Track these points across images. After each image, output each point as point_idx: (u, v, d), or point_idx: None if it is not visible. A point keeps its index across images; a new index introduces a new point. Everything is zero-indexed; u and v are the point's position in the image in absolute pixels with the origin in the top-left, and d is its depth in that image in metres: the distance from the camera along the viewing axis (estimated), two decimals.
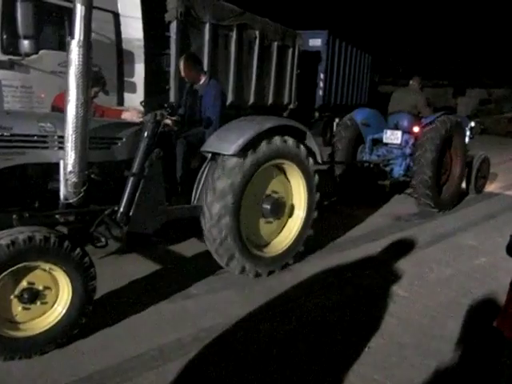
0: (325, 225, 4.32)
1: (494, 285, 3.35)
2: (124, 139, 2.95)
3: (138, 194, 2.80)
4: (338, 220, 5.05)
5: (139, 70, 5.11)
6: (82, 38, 2.30)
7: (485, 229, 5.08)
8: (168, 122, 3.12)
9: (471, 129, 6.93)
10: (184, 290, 3.10)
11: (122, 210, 2.76)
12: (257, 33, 7.49)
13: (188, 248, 3.88)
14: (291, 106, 9.60)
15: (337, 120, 11.57)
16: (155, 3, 5.38)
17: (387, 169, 6.25)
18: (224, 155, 3.09)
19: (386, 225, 5.05)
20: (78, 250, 2.31)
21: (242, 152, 3.06)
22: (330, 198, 6.19)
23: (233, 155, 3.05)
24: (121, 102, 4.93)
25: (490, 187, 7.33)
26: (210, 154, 3.21)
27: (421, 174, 5.48)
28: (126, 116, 3.45)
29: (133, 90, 5.09)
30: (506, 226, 4.99)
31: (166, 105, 2.97)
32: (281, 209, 3.51)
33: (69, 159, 2.41)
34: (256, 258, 3.36)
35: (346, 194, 6.30)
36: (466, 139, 6.47)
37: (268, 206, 3.41)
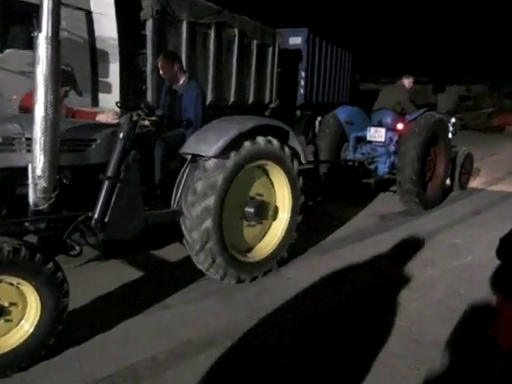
0: (309, 226, 4.28)
1: (483, 285, 3.31)
2: (98, 141, 2.85)
3: (113, 199, 2.71)
4: (323, 221, 5.02)
5: (114, 69, 4.99)
6: (50, 34, 2.19)
7: (470, 226, 5.10)
8: (145, 122, 3.05)
9: (453, 125, 7.04)
10: (161, 300, 2.97)
11: (96, 216, 2.66)
12: (236, 31, 7.44)
13: (167, 254, 3.78)
14: (272, 105, 9.58)
15: (319, 118, 11.65)
16: (130, 1, 5.26)
17: (371, 167, 6.30)
18: (204, 157, 3.03)
19: (370, 225, 5.05)
20: (51, 263, 2.18)
21: (223, 153, 3.00)
22: (315, 197, 6.16)
23: (213, 157, 2.99)
24: (95, 102, 4.80)
25: (474, 183, 7.47)
26: (189, 156, 3.14)
27: (405, 170, 5.52)
28: (101, 118, 3.35)
29: (108, 90, 4.96)
30: (491, 223, 5.07)
31: (142, 105, 2.89)
32: (264, 212, 3.46)
33: (37, 163, 2.30)
34: (238, 263, 3.29)
35: (331, 194, 6.31)
36: (449, 135, 6.56)
37: (251, 209, 3.36)
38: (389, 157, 6.20)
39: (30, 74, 4.41)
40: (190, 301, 3.02)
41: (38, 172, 2.30)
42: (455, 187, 6.82)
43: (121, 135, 2.75)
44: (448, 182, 6.58)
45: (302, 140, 11.70)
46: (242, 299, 3.11)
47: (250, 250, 3.54)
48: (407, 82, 6.36)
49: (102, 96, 4.89)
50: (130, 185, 2.78)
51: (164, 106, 3.78)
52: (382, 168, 6.23)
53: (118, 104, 3.33)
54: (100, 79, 4.97)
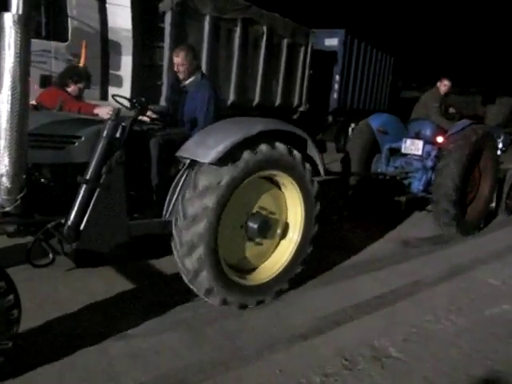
0: (324, 244, 3.86)
1: None
2: (83, 138, 2.58)
3: (91, 205, 2.46)
4: (339, 240, 4.58)
5: (126, 62, 4.83)
6: (20, 11, 1.95)
7: (511, 263, 4.36)
8: (143, 118, 2.86)
9: (503, 140, 6.43)
10: (134, 326, 2.60)
11: (70, 222, 2.41)
12: (264, 28, 7.16)
13: (145, 267, 3.47)
14: (302, 109, 9.24)
15: (352, 125, 11.20)
16: None
17: (405, 182, 5.80)
18: (201, 163, 2.72)
19: (391, 251, 4.46)
20: (2, 283, 1.92)
21: (223, 160, 2.67)
22: (341, 212, 5.76)
23: (211, 164, 2.66)
24: (104, 96, 4.64)
25: None
26: (188, 160, 2.85)
27: (443, 187, 4.98)
28: (100, 112, 3.13)
29: (119, 84, 4.81)
30: None
31: (134, 100, 2.67)
32: (270, 228, 3.11)
33: (0, 160, 2.05)
34: (240, 287, 2.95)
35: (357, 209, 5.86)
36: (498, 152, 5.96)
37: (255, 225, 3.00)
38: (425, 173, 5.67)
39: (34, 63, 4.38)
40: (170, 328, 2.65)
41: (1, 170, 2.07)
42: (501, 211, 6.17)
43: (104, 133, 2.51)
44: (493, 204, 5.95)
45: (332, 147, 11.46)
46: (232, 328, 2.72)
47: (255, 270, 3.20)
48: (442, 86, 5.82)
49: (112, 89, 4.70)
50: (112, 190, 2.52)
51: (169, 102, 3.52)
52: (417, 185, 5.71)
53: (115, 98, 3.11)
54: (111, 72, 4.82)
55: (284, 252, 3.27)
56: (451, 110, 6.33)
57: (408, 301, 3.30)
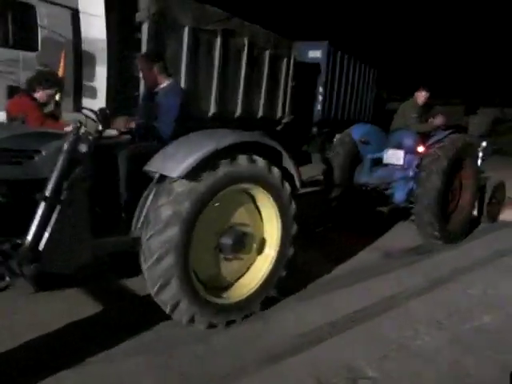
0: (304, 257, 3.75)
1: (503, 362, 2.59)
2: (44, 153, 2.45)
3: (51, 224, 2.32)
4: (321, 252, 4.48)
5: (101, 73, 4.70)
6: None
7: (493, 271, 4.28)
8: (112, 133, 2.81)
9: (484, 149, 6.44)
10: (95, 352, 2.42)
11: (28, 242, 2.26)
12: (246, 40, 7.14)
13: (112, 288, 3.31)
14: (285, 120, 9.21)
15: (337, 136, 11.17)
16: (125, 1, 5.00)
17: (387, 193, 5.75)
18: (170, 178, 2.61)
19: (371, 263, 4.35)
20: None
21: (192, 174, 2.56)
22: (321, 223, 5.68)
23: (180, 178, 2.56)
24: (78, 108, 4.49)
25: (505, 215, 6.75)
26: (157, 175, 2.72)
27: (425, 198, 4.96)
28: (68, 129, 2.99)
29: (93, 95, 4.67)
30: None
31: (97, 112, 2.59)
32: (245, 244, 2.99)
33: None
34: (210, 305, 2.81)
35: (339, 220, 5.80)
36: (478, 161, 5.96)
37: (228, 241, 2.89)
38: (407, 182, 5.63)
39: (1, 74, 4.25)
40: (129, 354, 2.46)
41: None
42: (483, 219, 6.17)
43: (64, 147, 2.38)
44: (475, 212, 5.92)
45: (316, 158, 11.42)
46: (200, 354, 2.54)
47: (228, 287, 3.07)
48: (420, 96, 5.82)
49: (86, 101, 4.57)
50: (74, 207, 2.39)
51: (141, 114, 3.40)
52: (400, 195, 5.66)
53: (84, 111, 2.99)
54: (85, 83, 4.68)
55: (260, 269, 3.16)
56: (433, 121, 6.32)
57: (387, 315, 3.19)
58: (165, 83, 3.25)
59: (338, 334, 2.86)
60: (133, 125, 2.92)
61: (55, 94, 3.45)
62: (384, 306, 3.34)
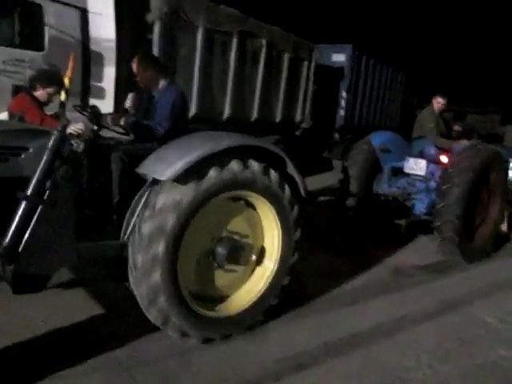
0: (313, 269, 3.56)
1: None
2: (31, 150, 2.40)
3: (32, 224, 2.24)
4: (330, 266, 4.27)
5: (109, 73, 4.67)
6: None
7: None
8: (72, 130, 2.68)
9: None
10: (60, 368, 2.30)
11: (6, 243, 2.20)
12: (263, 42, 7.01)
13: (95, 295, 3.19)
14: (304, 125, 9.00)
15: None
16: (136, 0, 4.97)
17: (407, 204, 5.49)
18: (159, 181, 2.52)
19: (380, 280, 4.08)
20: None
21: (184, 178, 2.47)
22: (337, 234, 5.49)
23: (171, 181, 2.46)
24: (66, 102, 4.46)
25: None
26: (151, 178, 2.62)
27: (447, 212, 4.67)
28: (68, 129, 2.94)
29: (100, 96, 4.66)
30: None
31: (88, 109, 2.56)
32: (242, 254, 2.85)
33: None
34: (203, 319, 2.69)
35: (355, 232, 5.58)
36: (510, 173, 5.60)
37: (223, 251, 2.77)
38: (428, 194, 5.37)
39: (9, 74, 4.28)
40: (77, 374, 2.30)
41: None
42: None
43: (49, 145, 2.32)
44: (505, 228, 5.57)
45: (337, 164, 11.16)
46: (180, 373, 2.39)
47: (223, 301, 2.93)
48: (436, 103, 5.52)
49: (93, 102, 4.55)
50: (58, 208, 2.31)
51: (140, 115, 3.32)
52: (420, 207, 5.40)
53: (77, 108, 2.94)
54: (92, 83, 4.67)
55: (258, 281, 3.01)
56: (456, 128, 6.02)
57: (388, 340, 2.94)
58: (161, 84, 3.19)
59: (328, 359, 2.65)
60: (122, 122, 2.84)
61: (56, 93, 3.39)
62: (385, 329, 3.09)
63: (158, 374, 2.36)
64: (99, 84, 4.66)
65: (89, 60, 4.64)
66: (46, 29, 4.30)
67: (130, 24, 4.92)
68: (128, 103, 2.97)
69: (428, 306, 3.53)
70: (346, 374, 2.49)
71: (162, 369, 2.41)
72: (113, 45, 4.60)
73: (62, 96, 3.84)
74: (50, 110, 3.55)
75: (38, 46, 4.34)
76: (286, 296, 3.06)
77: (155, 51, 5.21)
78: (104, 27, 4.58)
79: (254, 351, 2.67)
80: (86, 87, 4.56)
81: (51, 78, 3.34)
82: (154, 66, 3.15)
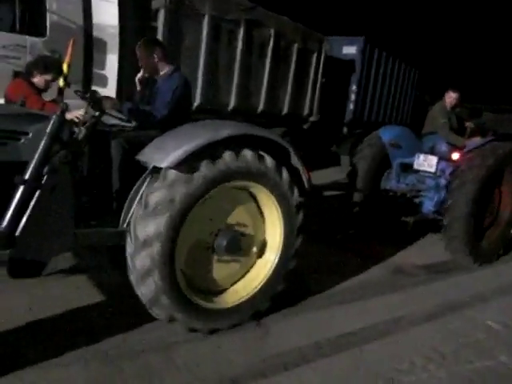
0: (314, 265, 3.50)
1: None
2: (30, 135, 2.38)
3: (29, 209, 2.24)
4: (332, 263, 4.20)
5: (112, 61, 4.62)
6: None
7: None
8: (71, 116, 2.72)
9: None
10: (42, 358, 2.26)
11: (3, 227, 2.19)
12: (271, 31, 6.91)
13: (90, 282, 3.16)
14: (312, 118, 8.88)
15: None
16: None
17: (416, 201, 5.37)
18: (161, 169, 2.49)
19: (381, 279, 3.99)
20: None
21: (183, 166, 2.44)
22: (343, 230, 5.41)
23: (169, 169, 2.44)
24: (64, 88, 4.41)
25: None
26: (151, 165, 2.60)
27: (456, 210, 4.56)
28: (69, 115, 2.95)
29: (103, 83, 4.62)
30: None
31: (87, 95, 2.52)
32: (241, 246, 2.83)
33: None
34: (193, 307, 2.66)
35: (362, 228, 5.49)
36: None
37: (223, 242, 2.74)
38: (438, 192, 5.25)
39: (7, 59, 4.23)
40: (61, 364, 2.28)
41: None
42: None
43: (48, 129, 2.31)
44: None
45: (346, 160, 11.03)
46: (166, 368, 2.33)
47: (219, 292, 2.91)
48: (448, 98, 5.38)
49: (96, 89, 4.48)
50: (56, 193, 2.31)
51: (143, 102, 3.30)
52: (428, 205, 5.29)
53: (79, 94, 2.90)
54: (95, 71, 4.62)
55: (257, 275, 2.97)
56: (470, 125, 5.86)
57: (383, 341, 2.85)
58: (165, 70, 3.15)
59: (318, 359, 2.58)
60: (118, 106, 2.82)
61: (54, 79, 3.35)
62: (381, 330, 3.00)
63: (145, 366, 2.34)
64: (102, 71, 4.62)
65: (91, 47, 4.58)
66: (48, 14, 4.25)
67: (134, 11, 4.86)
68: (108, 108, 2.92)
69: (427, 308, 3.44)
70: (335, 375, 2.43)
71: (148, 361, 2.39)
72: (116, 31, 4.55)
73: (61, 82, 3.80)
74: (48, 97, 3.52)
75: (39, 31, 4.31)
76: (279, 292, 3.02)
77: (159, 39, 5.13)
78: (107, 13, 4.53)
79: (238, 350, 2.62)
80: (89, 74, 4.51)
81: (49, 64, 3.32)
82: (159, 51, 3.10)
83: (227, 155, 2.56)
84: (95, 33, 4.58)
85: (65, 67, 3.78)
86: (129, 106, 2.97)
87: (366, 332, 2.94)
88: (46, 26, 4.32)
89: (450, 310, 3.43)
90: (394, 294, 3.65)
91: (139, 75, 3.32)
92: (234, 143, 2.62)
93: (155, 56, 3.09)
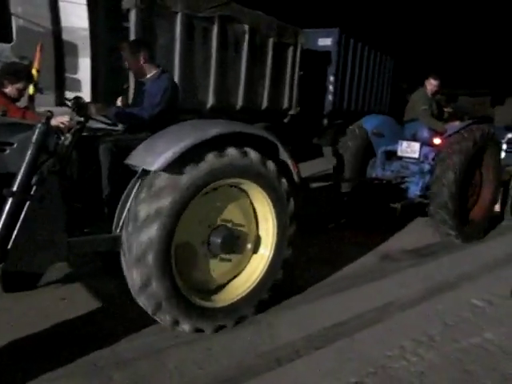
0: (298, 259, 3.51)
1: None
2: (16, 145, 2.36)
3: (20, 221, 2.23)
4: (319, 254, 4.25)
5: (85, 64, 4.55)
6: None
7: (503, 278, 3.79)
8: (56, 122, 2.65)
9: (508, 141, 6.10)
10: (28, 373, 2.23)
11: None
12: (246, 27, 6.91)
13: (82, 292, 3.14)
14: (292, 112, 8.93)
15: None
16: None
17: (402, 187, 5.50)
18: (151, 172, 2.51)
19: (371, 266, 4.05)
20: None
21: (174, 168, 2.47)
22: (333, 221, 5.53)
23: (160, 172, 2.46)
24: (61, 101, 4.35)
25: None
26: (140, 169, 2.61)
27: (440, 196, 4.71)
28: (52, 122, 2.87)
29: (77, 88, 4.54)
30: None
31: (72, 101, 2.53)
32: (236, 243, 2.88)
33: None
34: (196, 308, 2.70)
35: (352, 217, 5.62)
36: (503, 154, 5.62)
37: (217, 240, 2.78)
38: (422, 177, 5.40)
39: None
40: (48, 379, 2.24)
41: None
42: (506, 215, 5.87)
43: (33, 138, 2.28)
44: (498, 208, 5.63)
45: (328, 151, 11.12)
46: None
47: (218, 290, 2.95)
48: (429, 85, 5.49)
49: (69, 95, 4.41)
50: (46, 203, 2.30)
51: (133, 104, 3.33)
52: (414, 190, 5.44)
53: (71, 102, 2.87)
54: (67, 75, 4.53)
55: (254, 270, 3.02)
56: (448, 110, 6.00)
57: (372, 329, 2.90)
58: (152, 72, 3.16)
59: (310, 352, 2.62)
60: (104, 110, 2.82)
61: (26, 87, 3.30)
62: (370, 318, 3.06)
63: (135, 374, 2.33)
64: (74, 76, 4.53)
65: (62, 51, 4.49)
66: (13, 19, 4.14)
67: (105, 12, 4.79)
68: (94, 114, 2.89)
69: (414, 292, 3.51)
70: (328, 367, 2.46)
71: (138, 368, 2.38)
72: (87, 34, 4.46)
73: (31, 89, 3.72)
74: (22, 105, 3.44)
75: (5, 37, 4.18)
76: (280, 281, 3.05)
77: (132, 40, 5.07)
78: (76, 16, 4.44)
79: (232, 348, 2.64)
80: (61, 79, 4.42)
81: (18, 73, 3.22)
82: (145, 53, 3.11)
83: (212, 155, 2.58)
84: (65, 36, 4.49)
85: (34, 73, 3.70)
86: (116, 110, 2.97)
87: (356, 321, 3.00)
88: (11, 31, 4.20)
89: (435, 292, 3.52)
90: (380, 281, 3.72)
91: (119, 101, 3.32)
92: (222, 142, 2.64)
93: (141, 58, 3.09)
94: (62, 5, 4.41)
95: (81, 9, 4.41)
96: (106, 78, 4.95)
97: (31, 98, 3.65)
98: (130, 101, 3.45)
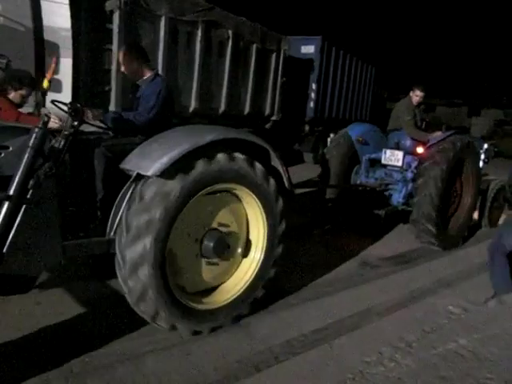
0: (289, 263, 3.64)
1: None
2: (11, 148, 2.37)
3: (16, 225, 2.25)
4: (297, 262, 4.29)
5: (66, 65, 4.51)
6: None
7: (481, 284, 3.82)
8: (54, 125, 2.73)
9: (486, 151, 6.38)
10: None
11: None
12: (230, 32, 7.00)
13: (74, 295, 3.12)
14: (274, 118, 9.06)
15: (331, 135, 11.08)
16: None
17: (385, 194, 5.67)
18: (145, 177, 2.56)
19: (350, 272, 4.16)
20: None
21: (169, 173, 2.52)
22: (318, 227, 5.65)
23: (155, 176, 2.50)
24: (42, 102, 4.31)
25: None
26: (135, 173, 2.64)
27: (422, 206, 4.91)
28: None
29: (57, 89, 4.48)
30: None
31: (68, 105, 2.53)
32: (228, 247, 2.96)
33: None
34: (192, 311, 2.78)
35: (336, 223, 5.79)
36: (480, 163, 5.87)
37: (210, 243, 2.86)
38: (405, 185, 5.58)
39: None
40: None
41: None
42: (484, 223, 6.14)
43: (30, 142, 2.31)
44: (476, 216, 5.89)
45: (309, 158, 11.28)
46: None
47: (211, 292, 3.04)
48: (414, 96, 5.68)
49: (50, 96, 4.35)
50: (42, 206, 2.33)
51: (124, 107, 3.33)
52: (397, 197, 5.61)
53: (58, 104, 2.87)
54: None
55: (243, 275, 3.11)
56: (426, 120, 6.22)
57: (351, 335, 2.98)
58: (147, 75, 3.21)
59: (290, 358, 2.67)
60: (101, 116, 2.84)
61: (29, 94, 3.40)
62: (348, 324, 3.14)
63: (112, 379, 2.33)
64: (55, 76, 4.47)
65: (43, 51, 4.44)
66: None
67: (88, 13, 4.76)
68: (90, 119, 2.89)
69: (393, 298, 3.60)
70: (306, 373, 2.50)
71: (115, 374, 2.39)
72: (68, 34, 4.43)
73: (38, 97, 3.76)
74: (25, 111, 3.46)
75: None
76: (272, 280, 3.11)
77: (115, 42, 5.09)
78: (59, 15, 4.41)
79: (211, 353, 2.67)
80: (41, 80, 4.36)
81: (22, 79, 3.31)
82: (140, 56, 3.16)
83: (202, 162, 2.63)
84: (47, 36, 4.45)
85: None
86: (112, 115, 3.01)
87: (335, 327, 3.08)
88: None
89: (413, 299, 3.65)
90: (359, 288, 3.82)
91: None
92: (213, 148, 2.68)
93: (136, 61, 3.14)
94: (44, 4, 4.37)
95: (63, 8, 4.38)
96: (88, 80, 4.91)
97: (37, 105, 3.69)
98: (116, 102, 3.45)
